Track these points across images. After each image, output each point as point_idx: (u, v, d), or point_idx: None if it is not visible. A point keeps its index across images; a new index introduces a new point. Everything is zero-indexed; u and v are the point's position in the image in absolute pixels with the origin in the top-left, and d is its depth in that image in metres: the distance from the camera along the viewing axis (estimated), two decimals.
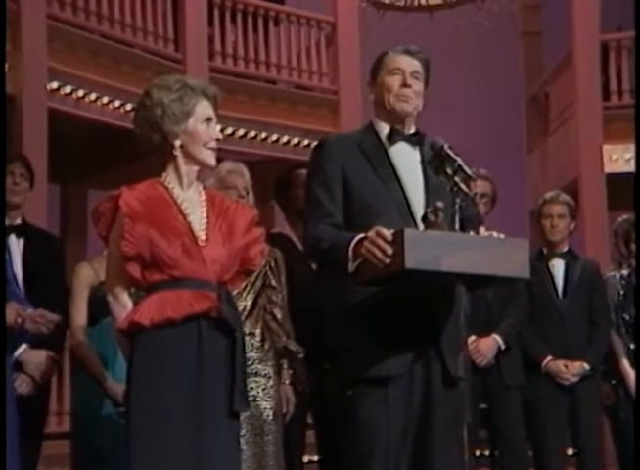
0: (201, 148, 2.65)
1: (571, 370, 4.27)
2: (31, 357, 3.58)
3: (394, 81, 2.81)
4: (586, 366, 4.29)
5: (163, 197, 2.64)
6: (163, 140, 2.64)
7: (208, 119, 2.67)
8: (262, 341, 3.59)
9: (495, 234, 2.65)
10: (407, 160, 2.77)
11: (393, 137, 2.78)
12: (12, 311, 3.44)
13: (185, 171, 2.66)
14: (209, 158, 2.68)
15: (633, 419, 4.30)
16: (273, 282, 3.66)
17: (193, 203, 2.66)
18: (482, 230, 2.62)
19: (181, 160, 2.66)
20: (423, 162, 2.76)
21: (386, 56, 2.87)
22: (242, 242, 2.66)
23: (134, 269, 2.57)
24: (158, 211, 2.60)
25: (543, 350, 4.30)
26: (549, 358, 4.29)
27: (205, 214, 2.65)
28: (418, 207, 2.68)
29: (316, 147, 2.86)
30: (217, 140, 2.68)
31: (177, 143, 2.64)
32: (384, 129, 2.81)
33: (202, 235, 2.61)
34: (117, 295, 2.63)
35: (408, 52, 2.85)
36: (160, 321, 2.52)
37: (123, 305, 2.62)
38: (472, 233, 2.59)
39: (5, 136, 3.64)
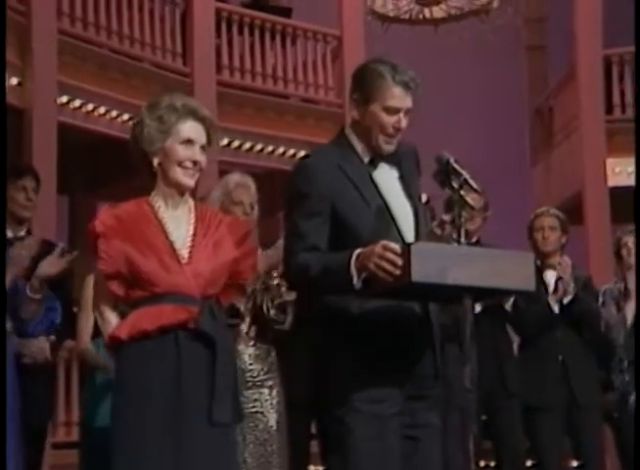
0: (175, 167, 2.63)
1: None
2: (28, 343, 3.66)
3: (389, 121, 2.58)
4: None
5: (146, 215, 2.64)
6: (143, 158, 2.66)
7: (189, 140, 2.63)
8: (267, 352, 3.59)
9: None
10: (388, 179, 2.66)
11: (375, 161, 2.66)
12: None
13: (166, 190, 2.66)
14: (182, 177, 2.63)
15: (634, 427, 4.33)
16: (271, 282, 3.52)
17: (179, 221, 2.65)
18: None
19: (161, 178, 2.66)
20: (401, 178, 2.68)
21: (383, 81, 2.57)
22: (231, 255, 2.65)
23: (116, 287, 2.59)
24: (135, 228, 2.60)
25: None
26: None
27: (191, 232, 2.64)
28: (408, 231, 2.62)
29: (295, 172, 2.66)
30: (194, 163, 2.63)
31: (155, 161, 2.65)
32: (363, 150, 2.66)
33: (184, 254, 2.60)
34: (103, 312, 2.66)
35: (407, 87, 2.57)
36: (135, 334, 2.54)
37: (108, 321, 2.65)
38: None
39: (5, 147, 3.66)
